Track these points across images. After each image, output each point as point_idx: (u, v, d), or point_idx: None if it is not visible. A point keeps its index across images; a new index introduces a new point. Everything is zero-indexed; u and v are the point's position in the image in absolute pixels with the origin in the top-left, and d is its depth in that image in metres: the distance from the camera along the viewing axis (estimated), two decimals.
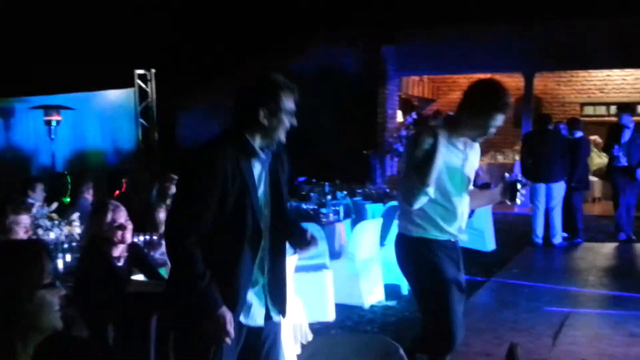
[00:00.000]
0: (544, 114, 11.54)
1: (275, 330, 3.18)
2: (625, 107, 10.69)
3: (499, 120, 3.85)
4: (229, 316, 2.87)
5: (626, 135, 10.15)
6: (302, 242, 3.13)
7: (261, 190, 3.02)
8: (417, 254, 3.96)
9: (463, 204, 3.99)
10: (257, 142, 2.99)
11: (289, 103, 3.01)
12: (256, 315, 3.05)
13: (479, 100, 3.89)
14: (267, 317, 3.10)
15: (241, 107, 3.04)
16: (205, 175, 2.90)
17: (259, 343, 3.10)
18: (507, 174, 3.99)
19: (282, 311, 3.15)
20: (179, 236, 2.90)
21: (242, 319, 2.99)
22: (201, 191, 2.90)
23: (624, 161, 10.11)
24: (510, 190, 3.88)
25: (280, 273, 3.15)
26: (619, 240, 10.36)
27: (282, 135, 3.01)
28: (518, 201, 3.92)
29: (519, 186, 3.87)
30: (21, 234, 4.68)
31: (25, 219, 4.71)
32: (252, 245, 2.98)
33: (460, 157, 3.95)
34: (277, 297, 3.12)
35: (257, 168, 3.01)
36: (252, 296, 3.03)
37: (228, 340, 2.88)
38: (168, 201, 5.44)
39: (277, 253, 3.12)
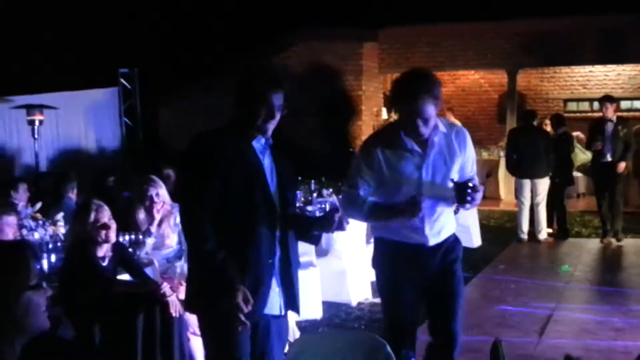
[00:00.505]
0: (529, 110, 11.59)
1: (286, 326, 3.32)
2: (609, 99, 9.96)
3: (419, 108, 3.41)
4: (245, 294, 2.94)
5: (609, 129, 9.72)
6: (327, 225, 3.18)
7: (269, 177, 3.12)
8: (376, 252, 3.85)
9: (432, 206, 3.62)
10: (254, 133, 3.10)
11: (277, 99, 3.10)
12: (273, 303, 3.16)
13: (392, 93, 3.72)
14: (281, 310, 3.21)
15: (236, 99, 3.14)
16: (204, 156, 3.04)
17: (268, 335, 3.19)
18: (454, 176, 3.58)
19: (295, 307, 3.27)
20: (190, 217, 3.05)
21: (259, 306, 3.08)
22: (202, 171, 3.02)
23: (609, 156, 9.67)
24: (457, 193, 3.44)
25: (290, 265, 3.23)
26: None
27: (270, 129, 3.12)
28: (468, 205, 3.48)
29: (470, 188, 3.41)
30: (10, 235, 4.65)
31: (13, 220, 4.68)
32: (268, 224, 3.08)
33: (414, 159, 3.57)
34: (290, 290, 3.24)
35: (262, 155, 3.13)
36: (269, 282, 3.13)
37: (243, 319, 2.94)
38: (147, 202, 5.45)
39: (286, 243, 3.20)
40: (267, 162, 3.14)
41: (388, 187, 3.60)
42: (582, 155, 14.53)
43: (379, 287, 3.86)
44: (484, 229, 10.21)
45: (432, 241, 3.67)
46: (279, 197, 3.15)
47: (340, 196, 3.79)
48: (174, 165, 7.62)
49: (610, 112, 9.69)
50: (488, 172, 14.55)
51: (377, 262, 3.82)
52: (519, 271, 8.37)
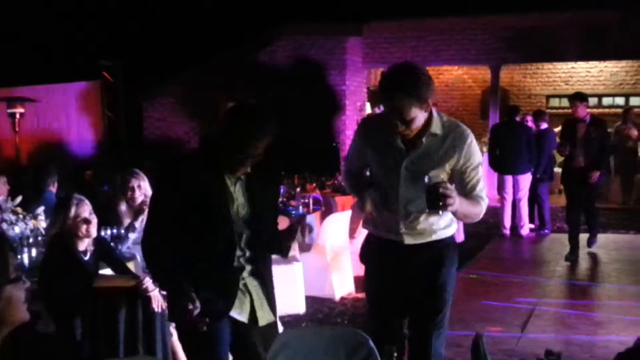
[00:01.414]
0: (512, 106, 11.62)
1: (273, 333, 3.27)
2: (579, 96, 8.62)
3: (395, 108, 3.19)
4: (191, 298, 2.98)
5: (580, 130, 8.41)
6: (286, 239, 3.29)
7: (237, 204, 3.12)
8: (364, 245, 3.71)
9: (410, 204, 3.37)
10: (230, 162, 3.07)
11: (258, 148, 3.03)
12: (243, 311, 3.19)
13: (378, 88, 3.47)
14: (254, 318, 3.23)
15: (223, 128, 3.08)
16: (168, 187, 3.12)
17: (252, 343, 3.24)
18: (427, 177, 3.19)
19: (272, 311, 3.30)
20: (146, 237, 3.19)
21: (233, 313, 3.15)
22: (165, 202, 3.11)
23: (580, 161, 8.38)
24: (426, 197, 3.11)
25: (264, 279, 3.28)
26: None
27: (247, 166, 3.08)
28: (444, 209, 3.11)
29: (442, 190, 3.06)
30: None
31: None
32: (225, 253, 3.12)
33: (395, 154, 3.36)
34: (264, 298, 3.27)
35: (231, 183, 3.12)
36: (239, 292, 3.17)
37: (197, 319, 2.99)
38: (129, 194, 5.42)
39: (261, 261, 3.26)
40: (237, 188, 3.14)
41: (374, 170, 3.45)
42: None
43: (365, 281, 3.75)
44: (467, 224, 10.21)
45: (408, 240, 3.41)
46: (250, 221, 3.16)
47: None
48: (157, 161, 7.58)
49: (582, 111, 8.44)
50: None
51: (364, 256, 3.71)
52: (502, 266, 8.42)
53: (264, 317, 3.25)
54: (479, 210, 3.40)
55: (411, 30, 14.28)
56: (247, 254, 3.20)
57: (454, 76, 17.56)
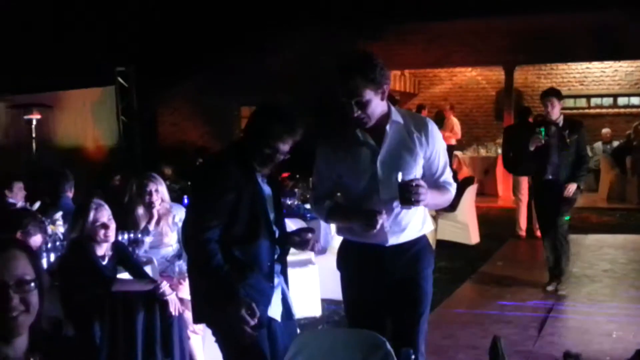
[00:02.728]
0: (524, 108, 11.59)
1: (292, 331, 3.39)
2: (555, 93, 7.18)
3: (350, 89, 3.21)
4: (250, 306, 3.05)
5: (553, 135, 7.05)
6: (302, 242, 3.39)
7: (268, 204, 3.27)
8: (340, 253, 3.63)
9: (390, 203, 3.30)
10: (260, 158, 3.20)
11: (285, 146, 3.18)
12: (275, 309, 3.29)
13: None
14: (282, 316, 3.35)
15: (248, 130, 3.24)
16: (221, 179, 3.13)
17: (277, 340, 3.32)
18: (399, 174, 3.16)
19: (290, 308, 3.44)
20: (196, 233, 3.13)
21: (269, 311, 3.24)
22: (217, 193, 3.12)
23: (552, 172, 7.03)
24: (399, 193, 3.13)
25: (286, 278, 3.45)
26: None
27: (266, 170, 3.24)
28: (416, 204, 3.15)
29: (414, 188, 3.09)
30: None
31: (38, 239, 4.63)
32: (268, 245, 3.24)
33: (367, 153, 3.31)
34: (286, 298, 3.42)
35: (262, 183, 3.26)
36: (271, 291, 3.28)
37: (250, 331, 3.04)
38: (147, 198, 5.44)
39: (284, 260, 3.42)
40: (266, 189, 3.28)
41: (346, 182, 3.39)
42: None
43: (342, 289, 3.64)
44: (482, 225, 10.22)
45: (392, 241, 3.36)
46: (275, 221, 3.31)
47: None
48: (171, 164, 7.61)
49: (556, 112, 7.05)
50: (486, 169, 14.57)
51: (340, 264, 3.61)
52: (517, 268, 8.38)
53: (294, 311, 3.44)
54: (448, 197, 3.44)
55: (423, 32, 14.28)
56: (277, 254, 3.32)
57: (467, 78, 17.53)
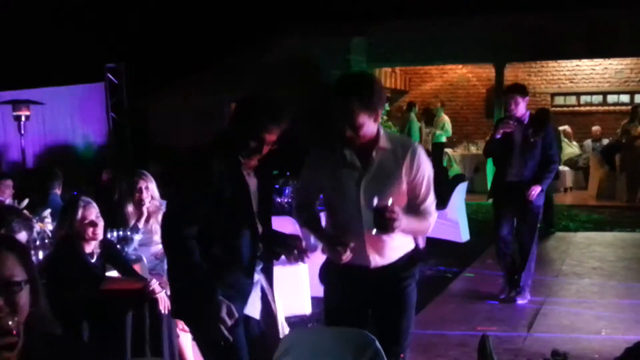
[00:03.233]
0: None
1: (272, 329, 3.38)
2: (519, 89, 6.58)
3: (345, 112, 3.17)
4: (228, 308, 2.98)
5: (517, 134, 6.46)
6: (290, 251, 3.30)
7: (253, 198, 3.17)
8: (324, 266, 3.56)
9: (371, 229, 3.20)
10: (245, 150, 3.12)
11: (271, 136, 3.10)
12: (254, 307, 3.24)
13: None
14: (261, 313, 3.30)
15: (232, 121, 3.15)
16: (201, 173, 3.06)
17: (257, 337, 3.30)
18: (375, 199, 3.10)
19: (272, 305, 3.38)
20: (175, 229, 3.06)
21: (246, 309, 3.19)
22: (196, 188, 3.06)
23: (513, 174, 6.54)
24: (374, 218, 3.09)
25: (270, 276, 3.38)
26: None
27: (253, 161, 3.15)
28: (391, 231, 3.10)
29: (388, 215, 3.05)
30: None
31: (23, 237, 4.60)
32: (250, 241, 3.16)
33: (353, 174, 3.28)
34: (266, 296, 3.34)
35: (248, 175, 3.16)
36: (250, 288, 3.21)
37: (226, 333, 2.97)
38: (136, 195, 5.43)
39: (269, 259, 3.35)
40: (252, 182, 3.19)
41: (331, 201, 3.38)
42: (569, 149, 14.65)
43: (324, 303, 3.61)
44: (472, 223, 10.24)
45: (375, 263, 3.34)
46: (260, 216, 3.22)
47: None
48: (162, 163, 7.58)
49: (521, 109, 6.49)
50: (476, 166, 14.59)
51: (324, 278, 3.56)
52: None
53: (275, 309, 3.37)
54: (426, 226, 3.37)
55: (415, 29, 14.28)
56: (260, 251, 3.25)
57: (458, 75, 17.55)
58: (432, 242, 9.02)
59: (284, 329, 5.41)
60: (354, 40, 14.13)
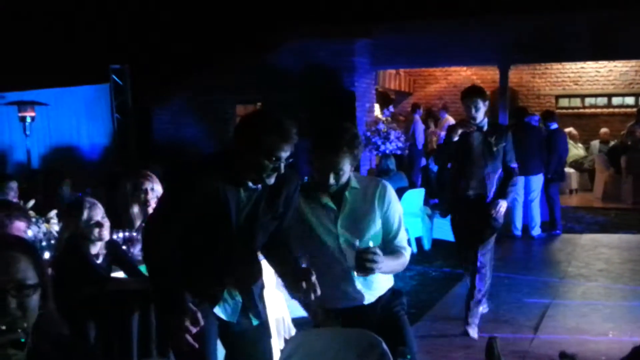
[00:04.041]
0: (520, 107, 11.61)
1: (261, 333, 3.27)
2: (479, 92, 5.94)
3: (331, 162, 3.28)
4: (194, 316, 2.88)
5: (475, 140, 5.83)
6: (296, 286, 3.04)
7: (242, 216, 3.08)
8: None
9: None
10: (245, 174, 3.02)
11: (285, 153, 2.99)
12: (231, 311, 3.17)
13: (312, 141, 3.43)
14: (245, 317, 3.21)
15: (236, 137, 3.04)
16: (184, 193, 3.02)
17: (243, 344, 3.22)
18: (357, 242, 3.23)
19: (256, 315, 3.23)
20: (152, 234, 3.09)
21: (217, 311, 3.14)
22: (177, 206, 3.05)
23: (473, 186, 5.90)
24: (355, 260, 3.16)
25: (250, 285, 3.23)
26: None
27: (270, 178, 3.02)
28: (372, 272, 3.18)
29: (370, 256, 3.11)
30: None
31: (22, 225, 4.59)
32: (222, 268, 3.11)
33: (328, 215, 3.39)
34: (250, 302, 3.22)
35: (242, 195, 3.06)
36: (226, 294, 3.16)
37: (190, 340, 2.87)
38: (142, 196, 5.42)
39: (248, 269, 3.22)
40: (247, 202, 3.08)
41: (307, 244, 3.38)
42: (575, 151, 14.61)
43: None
44: None
45: (369, 298, 3.45)
46: (245, 232, 3.10)
47: None
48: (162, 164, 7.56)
49: (481, 114, 5.84)
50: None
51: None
52: (513, 267, 8.39)
53: (256, 317, 3.23)
54: (402, 262, 3.44)
55: (419, 31, 14.26)
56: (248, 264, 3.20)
57: (462, 77, 17.53)
58: (438, 244, 9.03)
59: (290, 331, 5.41)
60: (359, 42, 14.12)
